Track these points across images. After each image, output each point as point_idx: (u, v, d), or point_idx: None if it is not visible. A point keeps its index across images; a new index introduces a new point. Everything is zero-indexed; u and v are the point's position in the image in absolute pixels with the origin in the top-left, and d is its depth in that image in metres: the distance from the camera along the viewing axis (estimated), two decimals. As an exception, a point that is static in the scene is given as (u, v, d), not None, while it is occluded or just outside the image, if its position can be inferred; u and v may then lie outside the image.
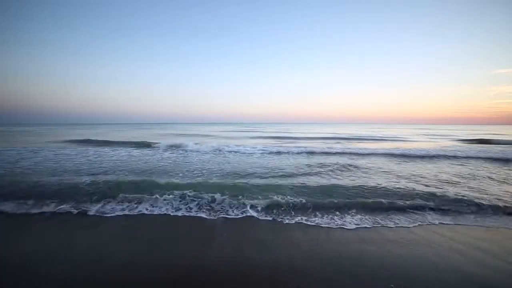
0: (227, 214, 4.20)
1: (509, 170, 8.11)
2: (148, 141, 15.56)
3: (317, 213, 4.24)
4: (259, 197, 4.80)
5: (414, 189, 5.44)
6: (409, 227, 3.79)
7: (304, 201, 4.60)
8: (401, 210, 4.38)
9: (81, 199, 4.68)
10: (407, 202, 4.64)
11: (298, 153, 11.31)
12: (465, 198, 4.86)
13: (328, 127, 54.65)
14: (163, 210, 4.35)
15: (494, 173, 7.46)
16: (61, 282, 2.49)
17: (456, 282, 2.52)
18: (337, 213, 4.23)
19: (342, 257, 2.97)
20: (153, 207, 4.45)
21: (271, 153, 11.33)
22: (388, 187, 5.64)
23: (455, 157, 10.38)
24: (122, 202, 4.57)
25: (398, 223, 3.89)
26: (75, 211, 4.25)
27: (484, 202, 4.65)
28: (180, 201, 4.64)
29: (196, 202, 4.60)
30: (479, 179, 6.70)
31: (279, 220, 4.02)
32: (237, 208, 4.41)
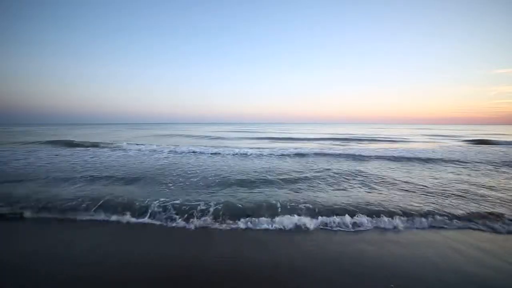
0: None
1: None
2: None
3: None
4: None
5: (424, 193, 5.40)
6: (409, 228, 3.79)
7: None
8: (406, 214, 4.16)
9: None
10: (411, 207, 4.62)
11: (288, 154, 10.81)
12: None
13: (328, 127, 54.54)
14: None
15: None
16: (61, 282, 2.49)
17: (456, 282, 2.52)
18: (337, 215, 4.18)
19: (342, 257, 2.97)
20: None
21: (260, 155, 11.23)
22: (390, 190, 5.62)
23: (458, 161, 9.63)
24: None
25: (398, 223, 3.88)
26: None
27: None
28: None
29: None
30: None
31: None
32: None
